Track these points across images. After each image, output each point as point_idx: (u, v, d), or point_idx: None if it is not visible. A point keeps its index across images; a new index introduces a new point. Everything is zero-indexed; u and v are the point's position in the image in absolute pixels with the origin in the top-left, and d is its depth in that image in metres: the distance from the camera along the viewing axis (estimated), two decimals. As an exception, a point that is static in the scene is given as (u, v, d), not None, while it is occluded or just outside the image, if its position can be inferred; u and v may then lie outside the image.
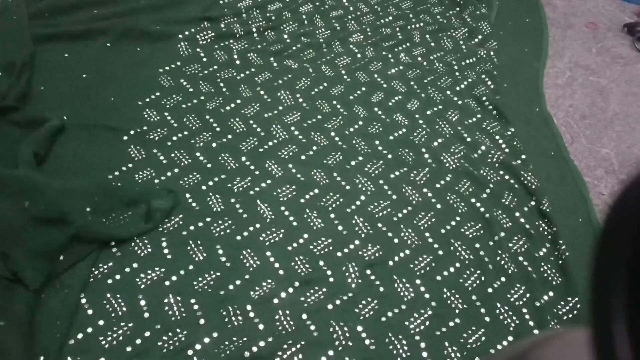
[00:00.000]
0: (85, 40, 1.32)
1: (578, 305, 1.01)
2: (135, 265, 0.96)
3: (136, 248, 0.98)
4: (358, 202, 1.11)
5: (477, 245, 1.08)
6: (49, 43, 1.30)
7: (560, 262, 1.07)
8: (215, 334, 0.90)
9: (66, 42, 1.31)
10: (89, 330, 0.88)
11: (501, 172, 1.21)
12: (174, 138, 1.16)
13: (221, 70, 1.31)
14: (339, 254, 1.02)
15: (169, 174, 1.09)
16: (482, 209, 1.14)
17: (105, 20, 1.38)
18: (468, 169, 1.20)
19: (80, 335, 0.87)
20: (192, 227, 1.02)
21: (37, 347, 0.84)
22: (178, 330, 0.90)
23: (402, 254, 1.03)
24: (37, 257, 0.90)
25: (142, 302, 0.92)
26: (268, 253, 1.01)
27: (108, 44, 1.32)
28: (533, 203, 1.16)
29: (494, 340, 0.96)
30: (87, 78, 1.25)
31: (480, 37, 1.53)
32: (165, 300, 0.92)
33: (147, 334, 0.89)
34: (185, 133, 1.17)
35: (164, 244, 0.99)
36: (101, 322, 0.89)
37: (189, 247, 0.98)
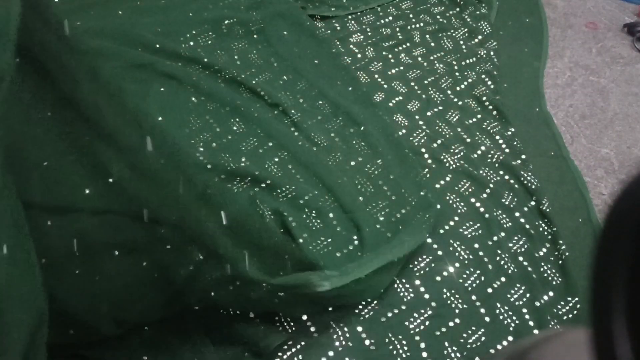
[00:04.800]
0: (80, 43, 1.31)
1: (578, 305, 1.01)
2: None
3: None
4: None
5: (477, 245, 1.08)
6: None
7: (560, 262, 1.07)
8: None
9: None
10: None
11: (501, 172, 1.21)
12: (174, 138, 1.16)
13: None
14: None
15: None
16: (481, 209, 1.14)
17: (103, 21, 1.38)
18: (468, 169, 1.20)
19: None
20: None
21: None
22: (178, 330, 0.90)
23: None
24: None
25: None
26: (268, 253, 1.01)
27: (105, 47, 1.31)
28: (533, 203, 1.16)
29: (494, 340, 0.96)
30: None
31: (480, 37, 1.53)
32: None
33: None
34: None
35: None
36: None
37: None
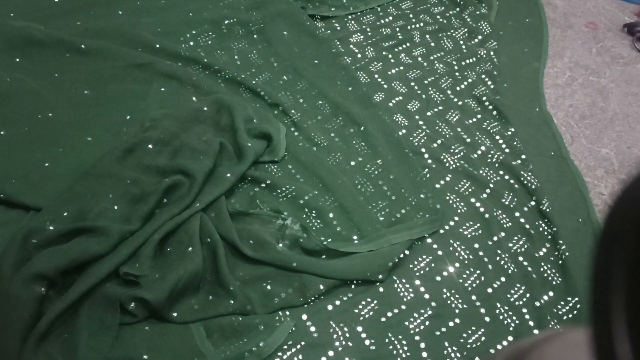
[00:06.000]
0: (80, 43, 1.30)
1: (578, 305, 1.01)
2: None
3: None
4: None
5: (477, 245, 1.08)
6: (44, 48, 1.28)
7: (560, 262, 1.07)
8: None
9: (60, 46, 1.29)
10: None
11: (501, 172, 1.21)
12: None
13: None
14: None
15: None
16: (481, 209, 1.14)
17: (103, 21, 1.38)
18: (468, 169, 1.20)
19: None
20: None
21: None
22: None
23: (401, 255, 1.03)
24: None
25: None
26: (268, 253, 1.00)
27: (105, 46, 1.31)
28: (533, 203, 1.16)
29: (494, 340, 0.96)
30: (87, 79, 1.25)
31: (480, 37, 1.53)
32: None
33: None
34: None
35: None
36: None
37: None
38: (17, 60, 1.25)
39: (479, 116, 1.33)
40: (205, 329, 0.90)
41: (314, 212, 1.07)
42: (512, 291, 1.03)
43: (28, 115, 1.15)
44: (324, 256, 1.01)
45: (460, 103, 1.35)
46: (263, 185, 1.10)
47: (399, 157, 1.19)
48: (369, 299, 0.98)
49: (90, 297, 0.88)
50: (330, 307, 0.96)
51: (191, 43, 1.38)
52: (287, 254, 0.98)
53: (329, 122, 1.25)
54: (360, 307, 0.96)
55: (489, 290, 1.02)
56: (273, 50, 1.40)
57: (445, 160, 1.22)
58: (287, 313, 0.94)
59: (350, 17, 1.54)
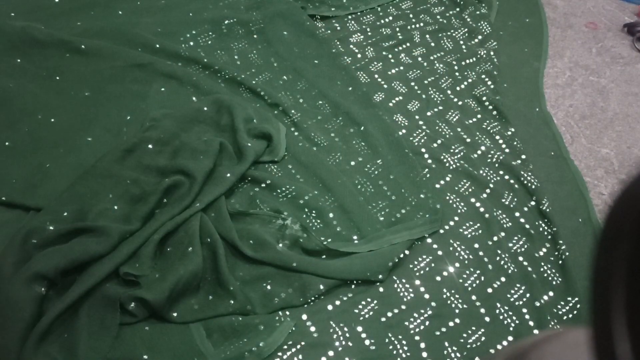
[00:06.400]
0: (80, 43, 1.30)
1: (578, 305, 1.01)
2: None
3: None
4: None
5: (477, 245, 1.08)
6: (44, 48, 1.28)
7: (560, 262, 1.07)
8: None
9: (61, 47, 1.29)
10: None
11: (501, 172, 1.21)
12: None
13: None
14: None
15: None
16: (481, 209, 1.14)
17: (103, 21, 1.38)
18: (468, 169, 1.20)
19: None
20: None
21: None
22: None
23: (401, 255, 1.03)
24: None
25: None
26: (268, 253, 1.00)
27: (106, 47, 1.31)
28: (533, 203, 1.16)
29: (494, 340, 0.96)
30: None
31: (480, 37, 1.53)
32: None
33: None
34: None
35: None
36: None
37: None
38: (18, 60, 1.25)
39: (479, 116, 1.33)
40: (205, 329, 0.90)
41: (314, 212, 1.07)
42: (512, 291, 1.03)
43: (28, 116, 1.15)
44: (324, 256, 1.01)
45: (460, 103, 1.35)
46: (263, 185, 1.10)
47: (399, 157, 1.19)
48: (369, 299, 0.98)
49: (90, 297, 0.88)
50: (330, 307, 0.96)
51: (191, 43, 1.38)
52: (287, 254, 0.98)
53: (329, 122, 1.25)
54: (360, 307, 0.96)
55: (489, 290, 1.02)
56: (273, 50, 1.40)
57: (445, 160, 1.22)
58: (287, 313, 0.94)
59: (350, 17, 1.54)
